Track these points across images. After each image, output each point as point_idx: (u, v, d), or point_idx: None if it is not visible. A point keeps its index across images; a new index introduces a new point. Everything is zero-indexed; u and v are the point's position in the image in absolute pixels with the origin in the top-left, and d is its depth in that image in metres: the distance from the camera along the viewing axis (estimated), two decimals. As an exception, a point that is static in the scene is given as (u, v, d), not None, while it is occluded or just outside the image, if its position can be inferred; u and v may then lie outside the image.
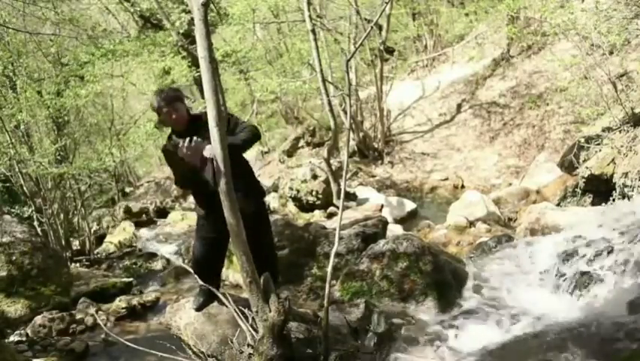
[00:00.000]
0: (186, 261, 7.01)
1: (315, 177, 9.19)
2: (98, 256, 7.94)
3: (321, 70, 8.46)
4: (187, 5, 9.15)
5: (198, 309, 3.81)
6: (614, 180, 6.00)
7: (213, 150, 3.06)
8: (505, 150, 10.98)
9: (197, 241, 3.80)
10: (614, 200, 5.77)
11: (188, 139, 3.19)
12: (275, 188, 10.48)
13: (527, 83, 11.77)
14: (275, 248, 4.01)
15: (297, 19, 11.94)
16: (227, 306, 3.60)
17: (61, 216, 7.73)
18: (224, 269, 5.49)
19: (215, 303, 3.91)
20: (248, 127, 3.48)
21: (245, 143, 3.41)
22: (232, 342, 3.50)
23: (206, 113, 3.05)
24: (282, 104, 15.40)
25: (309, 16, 8.40)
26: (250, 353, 3.27)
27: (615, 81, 6.63)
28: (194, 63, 9.50)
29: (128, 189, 15.96)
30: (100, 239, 9.20)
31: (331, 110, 9.03)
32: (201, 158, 3.27)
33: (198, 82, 10.29)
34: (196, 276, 3.84)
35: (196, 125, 3.41)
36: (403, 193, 10.29)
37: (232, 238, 3.21)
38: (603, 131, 6.62)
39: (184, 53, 10.86)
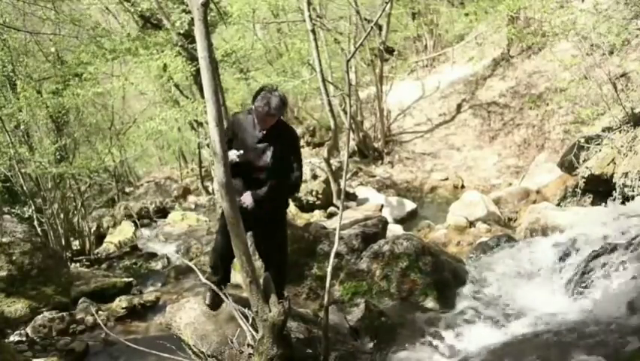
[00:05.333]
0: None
1: (315, 177, 9.19)
2: (98, 256, 7.93)
3: (321, 70, 8.46)
4: (187, 5, 9.16)
5: (211, 306, 3.78)
6: (614, 180, 6.01)
7: (213, 149, 3.09)
8: (505, 150, 10.98)
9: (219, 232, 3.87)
10: (614, 200, 5.78)
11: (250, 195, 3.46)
12: (275, 188, 10.44)
13: (527, 83, 11.76)
14: (287, 263, 3.98)
15: (297, 19, 11.93)
16: (227, 303, 3.60)
17: (61, 216, 7.70)
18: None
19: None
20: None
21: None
22: (232, 342, 3.50)
23: (278, 123, 3.45)
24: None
25: (309, 16, 8.40)
26: (250, 353, 3.27)
27: (615, 81, 6.64)
28: (191, 59, 9.47)
29: (128, 189, 15.92)
30: (100, 239, 9.19)
31: (331, 110, 9.03)
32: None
33: (198, 81, 10.27)
34: (199, 274, 3.84)
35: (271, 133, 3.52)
36: (402, 193, 10.28)
37: (232, 238, 3.21)
38: (603, 131, 6.62)
39: (183, 53, 10.84)
